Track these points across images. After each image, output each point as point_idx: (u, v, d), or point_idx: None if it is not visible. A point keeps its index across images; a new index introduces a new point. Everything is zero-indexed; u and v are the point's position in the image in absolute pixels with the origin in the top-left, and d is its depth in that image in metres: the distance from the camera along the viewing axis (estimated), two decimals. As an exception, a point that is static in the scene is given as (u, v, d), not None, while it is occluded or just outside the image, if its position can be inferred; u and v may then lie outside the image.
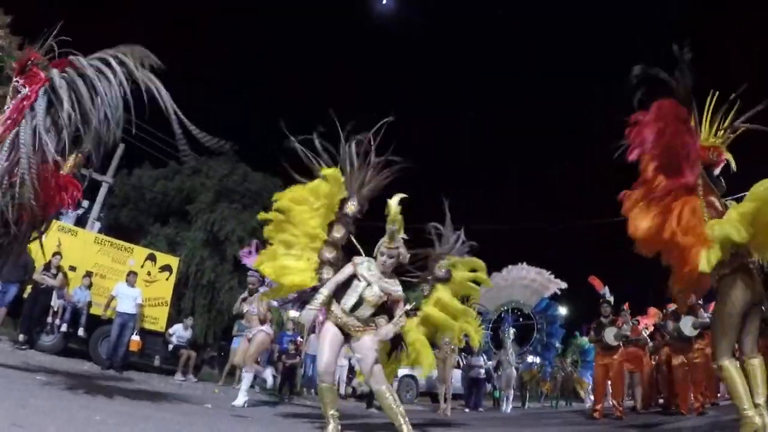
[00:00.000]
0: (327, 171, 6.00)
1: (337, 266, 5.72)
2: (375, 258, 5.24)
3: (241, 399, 8.15)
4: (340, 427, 5.02)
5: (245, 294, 9.24)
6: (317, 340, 14.00)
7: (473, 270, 6.64)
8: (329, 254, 5.90)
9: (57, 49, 5.65)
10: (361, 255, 5.44)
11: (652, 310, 13.48)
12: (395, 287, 5.19)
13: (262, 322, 8.80)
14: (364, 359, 5.02)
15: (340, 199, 6.11)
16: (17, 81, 5.75)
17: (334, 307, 5.15)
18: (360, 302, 5.05)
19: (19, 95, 5.42)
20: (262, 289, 8.59)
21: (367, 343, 5.05)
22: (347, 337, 5.18)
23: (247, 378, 8.71)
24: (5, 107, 5.70)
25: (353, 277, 5.13)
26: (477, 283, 6.68)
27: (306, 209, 5.93)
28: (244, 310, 9.07)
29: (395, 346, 5.87)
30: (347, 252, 5.91)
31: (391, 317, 5.14)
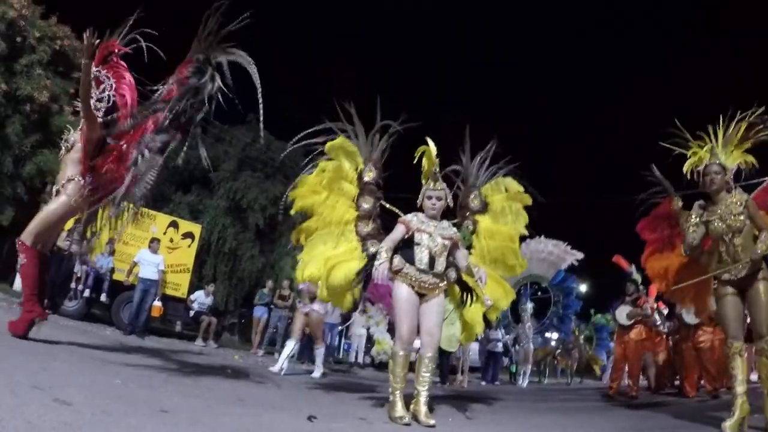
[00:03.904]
0: (332, 144, 5.82)
1: (379, 238, 5.50)
2: (420, 207, 5.10)
3: (277, 365, 8.69)
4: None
5: None
6: (331, 309, 14.37)
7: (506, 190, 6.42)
8: (366, 228, 5.69)
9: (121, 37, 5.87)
10: (401, 216, 5.19)
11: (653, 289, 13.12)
12: (450, 230, 5.06)
13: (312, 299, 9.04)
14: (433, 323, 4.84)
15: (356, 170, 5.95)
16: (98, 71, 5.89)
17: (407, 267, 4.83)
18: (433, 257, 4.86)
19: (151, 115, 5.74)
20: None
21: (439, 306, 4.90)
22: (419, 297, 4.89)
23: (288, 346, 9.13)
24: (92, 97, 5.82)
25: (410, 235, 4.90)
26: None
27: (326, 198, 5.75)
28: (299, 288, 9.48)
29: (463, 289, 5.49)
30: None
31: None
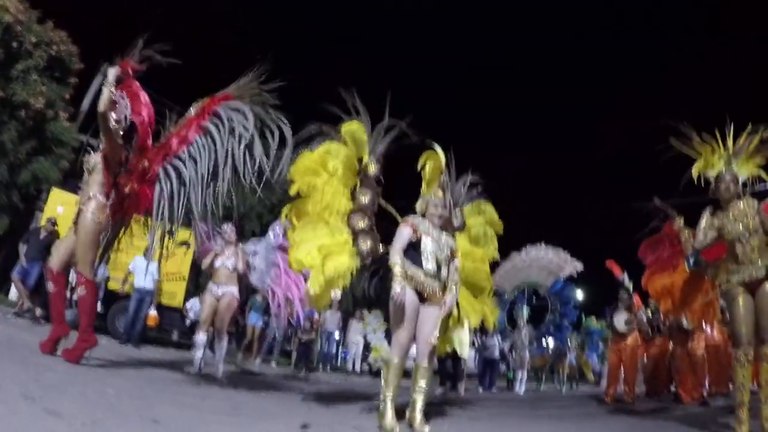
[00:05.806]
0: (348, 126, 5.68)
1: (372, 235, 5.45)
2: (423, 214, 4.99)
3: (220, 370, 7.90)
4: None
5: (218, 248, 8.40)
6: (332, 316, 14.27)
7: (482, 213, 6.53)
8: (361, 223, 5.48)
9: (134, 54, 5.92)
10: (398, 218, 5.15)
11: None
12: (452, 240, 5.02)
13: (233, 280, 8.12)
14: (428, 331, 4.66)
15: (359, 160, 5.80)
16: (114, 92, 5.94)
17: (413, 270, 4.65)
18: (439, 264, 4.75)
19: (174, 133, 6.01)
20: (251, 247, 8.34)
21: (436, 314, 4.70)
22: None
23: (221, 347, 8.40)
24: (112, 117, 5.85)
25: (416, 238, 4.75)
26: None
27: (325, 183, 5.52)
28: (216, 266, 8.24)
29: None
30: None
31: None
